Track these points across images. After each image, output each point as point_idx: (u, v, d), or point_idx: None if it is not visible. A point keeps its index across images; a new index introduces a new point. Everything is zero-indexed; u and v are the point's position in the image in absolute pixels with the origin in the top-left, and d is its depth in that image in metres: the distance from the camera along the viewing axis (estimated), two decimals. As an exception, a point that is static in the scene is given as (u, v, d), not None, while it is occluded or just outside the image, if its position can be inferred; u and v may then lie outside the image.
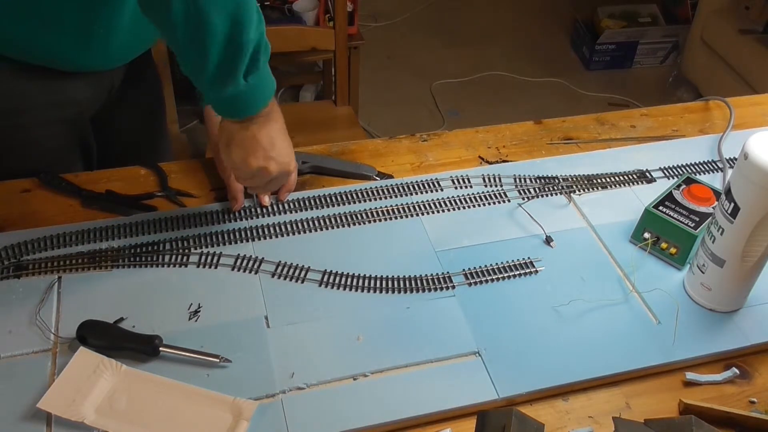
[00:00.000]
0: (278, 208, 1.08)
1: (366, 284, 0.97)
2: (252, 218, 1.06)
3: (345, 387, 0.85)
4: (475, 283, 0.98)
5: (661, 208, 1.03)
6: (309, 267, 0.98)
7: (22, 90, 1.09)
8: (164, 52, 1.99)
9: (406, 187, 1.12)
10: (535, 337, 0.91)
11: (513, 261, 1.01)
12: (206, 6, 0.82)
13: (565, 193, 1.13)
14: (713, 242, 0.92)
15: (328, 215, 1.07)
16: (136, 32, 1.10)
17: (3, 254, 0.97)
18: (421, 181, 1.13)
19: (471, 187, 1.14)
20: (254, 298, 0.94)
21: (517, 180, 1.15)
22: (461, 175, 1.15)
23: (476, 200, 1.11)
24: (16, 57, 1.05)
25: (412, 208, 1.09)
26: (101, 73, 1.17)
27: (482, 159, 1.21)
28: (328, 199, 1.10)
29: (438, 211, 1.09)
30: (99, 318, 0.88)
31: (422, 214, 1.08)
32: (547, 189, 1.14)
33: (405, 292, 0.96)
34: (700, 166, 1.20)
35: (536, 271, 1.00)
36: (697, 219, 1.01)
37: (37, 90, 1.10)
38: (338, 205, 1.09)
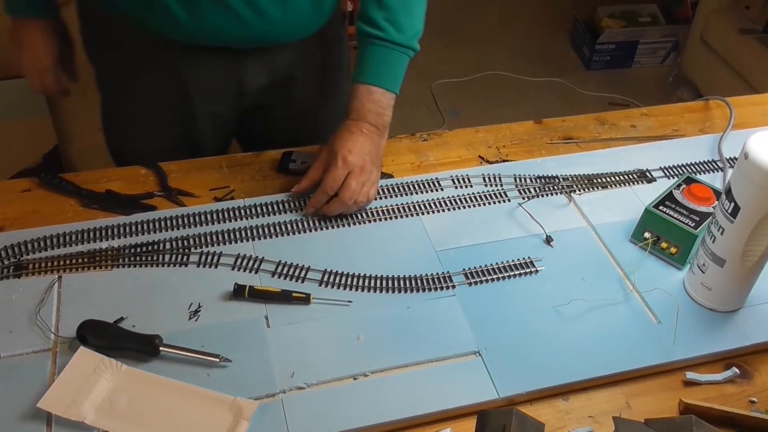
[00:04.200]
0: (278, 208, 1.07)
1: (366, 284, 0.97)
2: (252, 218, 1.06)
3: (345, 387, 0.85)
4: (476, 282, 0.98)
5: (661, 207, 1.03)
6: (309, 267, 0.98)
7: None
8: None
9: (406, 187, 1.12)
10: (535, 337, 0.91)
11: (513, 261, 1.01)
12: None
13: (566, 192, 1.13)
14: (713, 242, 0.92)
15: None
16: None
17: (3, 254, 0.97)
18: (421, 180, 1.13)
19: (471, 186, 1.14)
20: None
21: (518, 180, 1.15)
22: (461, 175, 1.15)
23: (476, 200, 1.11)
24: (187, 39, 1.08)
25: (412, 208, 1.09)
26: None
27: (482, 159, 1.21)
28: (328, 198, 1.09)
29: (438, 211, 1.09)
30: (99, 318, 0.88)
31: (422, 213, 1.08)
32: (547, 189, 1.14)
33: (405, 291, 0.96)
34: (700, 166, 1.20)
35: (536, 271, 1.00)
36: (698, 219, 1.01)
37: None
38: (338, 204, 1.09)
